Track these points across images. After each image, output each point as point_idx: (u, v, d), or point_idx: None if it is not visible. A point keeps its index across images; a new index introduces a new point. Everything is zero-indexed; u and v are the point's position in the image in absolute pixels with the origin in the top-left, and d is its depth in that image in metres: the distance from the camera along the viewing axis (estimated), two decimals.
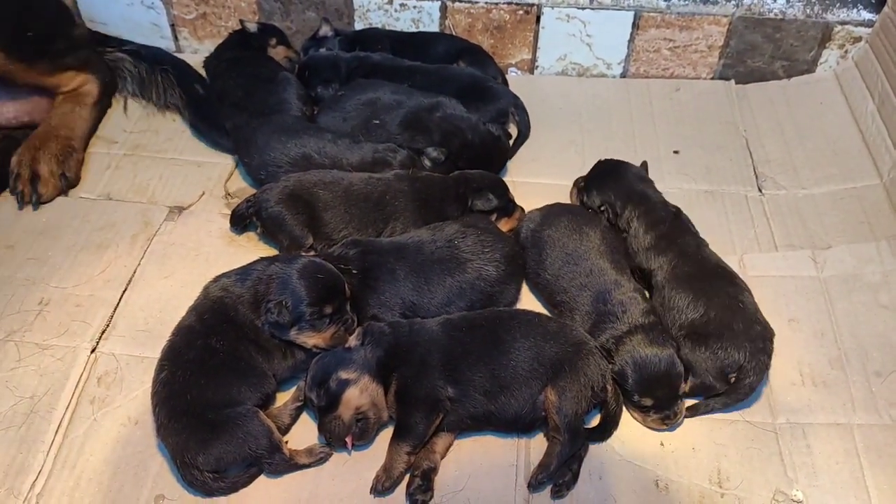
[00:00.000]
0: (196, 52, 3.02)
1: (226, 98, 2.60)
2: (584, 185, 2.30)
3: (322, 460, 1.79)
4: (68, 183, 2.47)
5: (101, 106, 2.68)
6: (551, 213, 2.18)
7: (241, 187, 2.50)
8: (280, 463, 1.74)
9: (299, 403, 1.87)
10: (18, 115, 2.57)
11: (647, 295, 2.02)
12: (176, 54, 2.94)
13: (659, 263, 2.04)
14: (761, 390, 1.93)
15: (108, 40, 2.81)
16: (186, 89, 2.69)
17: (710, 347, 1.86)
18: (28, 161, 2.43)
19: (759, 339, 1.87)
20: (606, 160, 2.34)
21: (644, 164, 2.35)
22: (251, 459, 1.73)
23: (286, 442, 1.79)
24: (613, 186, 2.22)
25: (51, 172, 2.43)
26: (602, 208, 2.20)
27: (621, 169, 2.29)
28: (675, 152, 2.65)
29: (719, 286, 1.95)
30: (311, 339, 1.84)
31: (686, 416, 1.87)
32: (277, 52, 2.84)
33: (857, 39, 2.80)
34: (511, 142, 2.63)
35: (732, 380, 1.86)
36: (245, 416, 1.73)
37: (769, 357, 1.88)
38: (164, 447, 1.77)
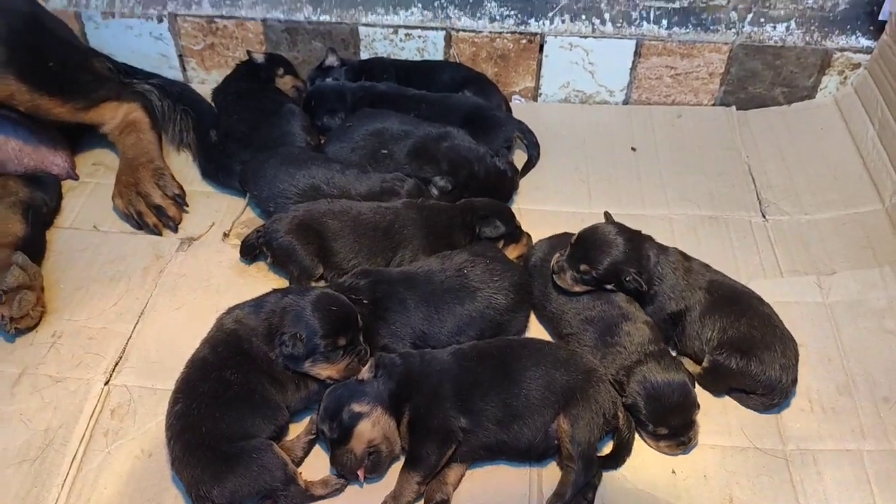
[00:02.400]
0: (203, 83, 3.06)
1: (232, 134, 2.62)
2: (586, 269, 2.02)
3: (337, 492, 1.80)
4: (181, 199, 2.53)
5: (156, 130, 2.71)
6: (560, 244, 2.19)
7: (250, 217, 2.53)
8: (296, 495, 1.75)
9: (312, 436, 1.88)
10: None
11: (656, 326, 2.02)
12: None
13: (697, 298, 2.02)
14: (770, 416, 1.95)
15: (134, 72, 2.85)
16: (200, 136, 2.72)
17: (756, 357, 1.91)
18: (135, 198, 2.48)
19: (792, 345, 1.95)
20: (591, 229, 2.08)
21: (606, 215, 2.34)
22: (266, 492, 1.74)
23: (300, 473, 1.80)
24: (619, 256, 2.01)
25: (163, 197, 2.49)
26: (627, 280, 2.01)
27: (607, 236, 2.04)
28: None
29: (749, 304, 2.01)
30: (324, 371, 1.86)
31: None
32: (285, 82, 2.87)
33: (857, 66, 2.85)
34: (521, 166, 2.66)
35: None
36: (260, 448, 1.74)
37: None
38: (179, 480, 1.77)
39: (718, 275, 2.10)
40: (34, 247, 2.32)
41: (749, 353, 1.92)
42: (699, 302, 2.01)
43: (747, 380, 1.93)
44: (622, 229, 2.06)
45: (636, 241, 2.04)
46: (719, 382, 1.98)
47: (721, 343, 1.94)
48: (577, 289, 2.04)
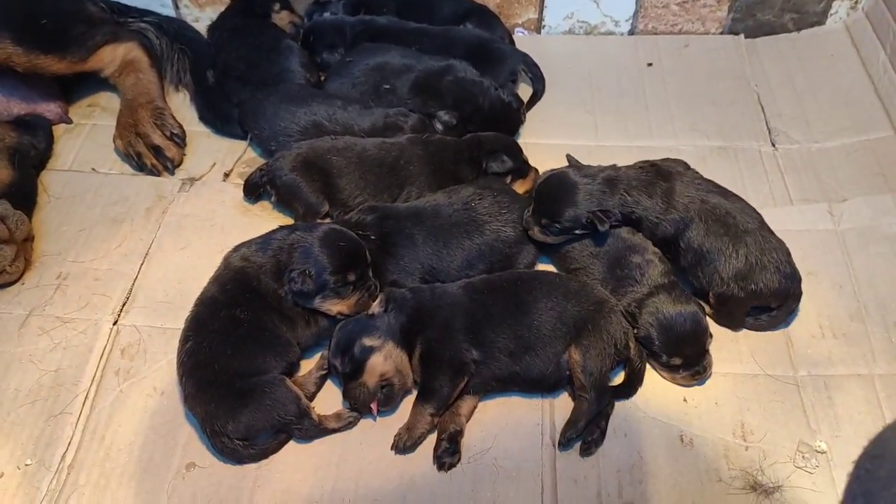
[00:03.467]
0: (197, 20, 2.97)
1: (229, 72, 2.57)
2: (547, 222, 1.99)
3: (350, 425, 1.81)
4: (180, 139, 2.49)
5: (156, 67, 2.65)
6: None
7: (251, 157, 2.49)
8: (310, 428, 1.76)
9: (324, 372, 1.88)
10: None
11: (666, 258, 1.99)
12: None
13: (686, 223, 1.96)
14: (781, 344, 1.95)
15: (129, 10, 2.77)
16: (197, 77, 2.66)
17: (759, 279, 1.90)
18: (135, 139, 2.44)
19: (784, 248, 1.94)
20: (544, 182, 2.05)
21: (568, 157, 2.24)
22: (280, 426, 1.75)
23: (313, 407, 1.81)
24: (573, 201, 1.97)
25: (162, 137, 2.45)
26: (587, 221, 1.95)
27: (559, 185, 2.00)
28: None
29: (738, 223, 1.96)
30: (335, 307, 1.85)
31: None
32: (281, 18, 2.79)
33: None
34: (526, 100, 2.61)
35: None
36: (272, 383, 1.75)
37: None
38: (192, 416, 1.78)
39: (712, 193, 2.00)
40: (22, 191, 2.28)
41: (749, 279, 1.89)
42: (691, 230, 1.94)
43: (759, 301, 1.92)
44: (575, 172, 2.01)
45: (588, 180, 1.98)
46: (734, 314, 1.96)
47: (723, 279, 1.91)
48: (549, 240, 2.01)
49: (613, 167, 2.05)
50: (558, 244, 2.04)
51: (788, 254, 1.95)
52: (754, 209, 2.02)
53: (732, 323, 1.98)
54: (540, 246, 2.09)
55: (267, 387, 1.74)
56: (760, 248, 1.91)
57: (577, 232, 1.99)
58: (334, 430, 1.80)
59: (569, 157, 2.23)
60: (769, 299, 1.93)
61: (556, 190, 1.99)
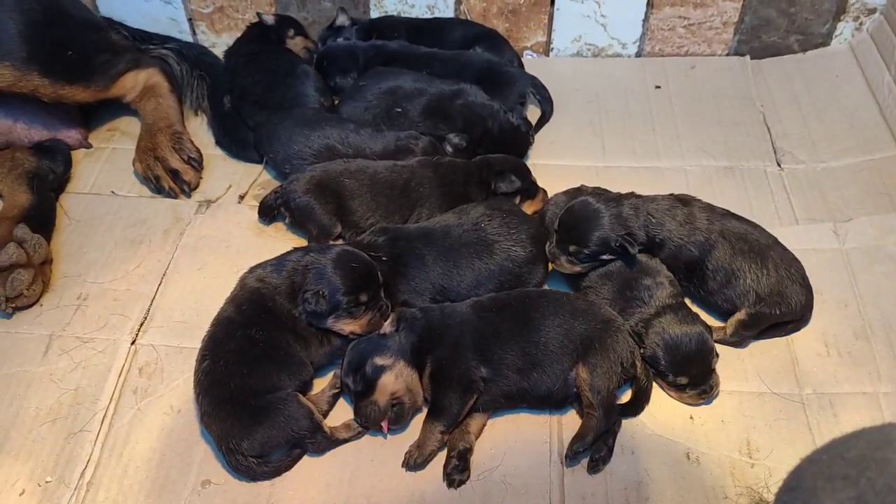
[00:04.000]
0: (214, 46, 3.05)
1: (245, 96, 2.63)
2: (577, 249, 2.00)
3: (360, 434, 1.86)
4: (197, 162, 2.55)
5: (176, 92, 2.73)
6: (577, 196, 2.19)
7: (266, 179, 2.55)
8: (322, 441, 1.80)
9: (336, 390, 1.92)
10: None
11: (675, 281, 2.02)
12: None
13: (712, 245, 2.01)
14: (787, 362, 1.97)
15: (151, 37, 2.86)
16: (214, 102, 2.73)
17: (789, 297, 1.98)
18: (153, 163, 2.50)
19: (797, 264, 2.03)
20: (567, 210, 2.05)
21: (583, 187, 2.25)
22: (294, 441, 1.79)
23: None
24: (601, 225, 1.98)
25: (179, 161, 2.51)
26: (617, 245, 1.97)
27: (584, 211, 2.01)
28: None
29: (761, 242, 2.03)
30: (348, 327, 1.89)
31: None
32: (296, 43, 2.86)
33: (872, 11, 2.81)
34: (535, 122, 2.66)
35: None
36: (286, 399, 1.79)
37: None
38: (209, 434, 1.82)
39: (726, 217, 2.06)
40: (41, 214, 2.34)
41: (783, 295, 1.95)
42: (717, 250, 2.00)
43: (790, 316, 1.98)
44: (596, 199, 2.03)
45: (613, 204, 2.01)
46: (754, 329, 1.99)
47: (760, 296, 1.95)
48: (578, 269, 2.03)
49: (632, 194, 2.09)
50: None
51: (803, 267, 2.01)
52: (763, 228, 2.07)
53: (745, 341, 2.01)
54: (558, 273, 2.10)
55: (280, 403, 1.78)
56: (786, 261, 1.99)
57: (603, 258, 2.01)
58: (345, 441, 1.84)
59: (583, 188, 2.24)
60: (797, 314, 1.98)
61: (580, 216, 2.00)
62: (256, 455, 1.77)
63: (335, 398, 1.94)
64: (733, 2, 2.81)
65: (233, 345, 1.84)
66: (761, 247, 1.99)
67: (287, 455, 1.82)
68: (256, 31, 2.86)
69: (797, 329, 2.02)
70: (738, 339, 2.00)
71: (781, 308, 1.96)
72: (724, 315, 2.04)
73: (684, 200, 2.08)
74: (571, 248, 2.00)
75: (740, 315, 1.98)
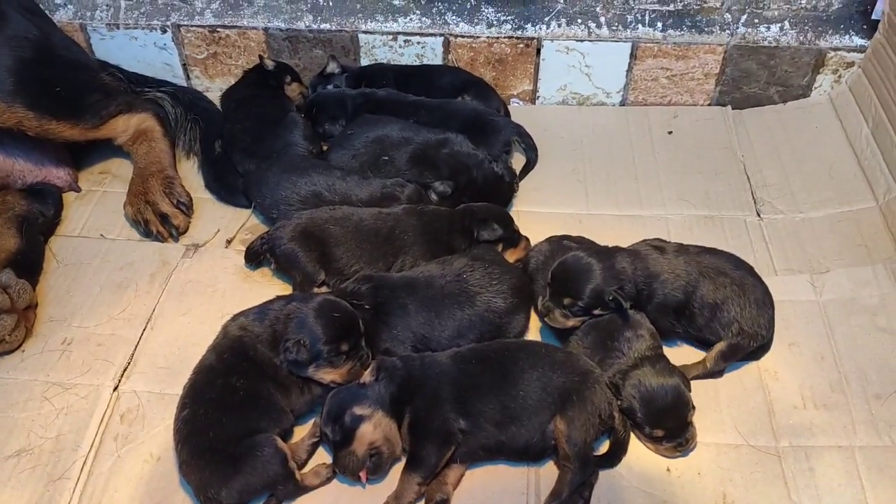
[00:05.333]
0: (207, 91, 3.10)
1: (235, 143, 2.67)
2: (571, 302, 2.02)
3: (329, 480, 1.87)
4: (187, 207, 2.58)
5: (169, 136, 2.76)
6: (560, 247, 2.23)
7: (254, 224, 2.58)
8: (292, 490, 1.82)
9: (315, 439, 1.93)
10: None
11: (657, 334, 2.04)
12: None
13: (695, 284, 2.05)
14: (763, 414, 1.99)
15: (146, 80, 2.91)
16: (205, 147, 2.77)
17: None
18: (144, 207, 2.53)
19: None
20: (559, 266, 2.06)
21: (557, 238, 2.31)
22: (271, 487, 1.80)
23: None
24: (596, 277, 2.00)
25: (169, 205, 2.55)
26: (610, 299, 1.98)
27: (578, 264, 2.03)
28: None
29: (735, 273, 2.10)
30: (328, 376, 1.91)
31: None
32: (293, 90, 2.92)
33: (851, 64, 2.87)
34: (520, 169, 2.71)
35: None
36: (263, 443, 1.79)
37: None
38: (187, 483, 1.83)
39: (701, 254, 2.12)
40: (28, 259, 2.36)
41: (761, 324, 2.05)
42: (700, 289, 2.04)
43: (763, 343, 2.08)
44: (589, 252, 2.06)
45: (606, 257, 2.04)
46: (734, 359, 2.06)
47: (742, 327, 2.03)
48: (571, 323, 2.05)
49: (618, 248, 2.13)
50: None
51: (768, 289, 2.12)
52: (731, 254, 2.16)
53: (723, 367, 2.07)
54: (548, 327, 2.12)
55: (258, 448, 1.79)
56: (758, 288, 2.09)
57: (595, 312, 2.03)
58: (315, 487, 1.85)
59: (566, 243, 2.26)
60: (769, 340, 2.10)
61: (573, 270, 2.02)
62: (236, 501, 1.77)
63: (315, 447, 1.94)
64: (714, 54, 2.88)
65: (213, 393, 1.85)
66: (739, 277, 2.07)
67: (266, 502, 1.82)
68: (254, 76, 2.92)
69: (766, 350, 2.12)
70: (720, 370, 2.06)
71: (761, 337, 2.06)
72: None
73: (659, 248, 2.12)
74: (566, 301, 2.02)
75: (721, 346, 2.05)
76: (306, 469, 1.89)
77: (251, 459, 1.77)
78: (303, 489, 1.84)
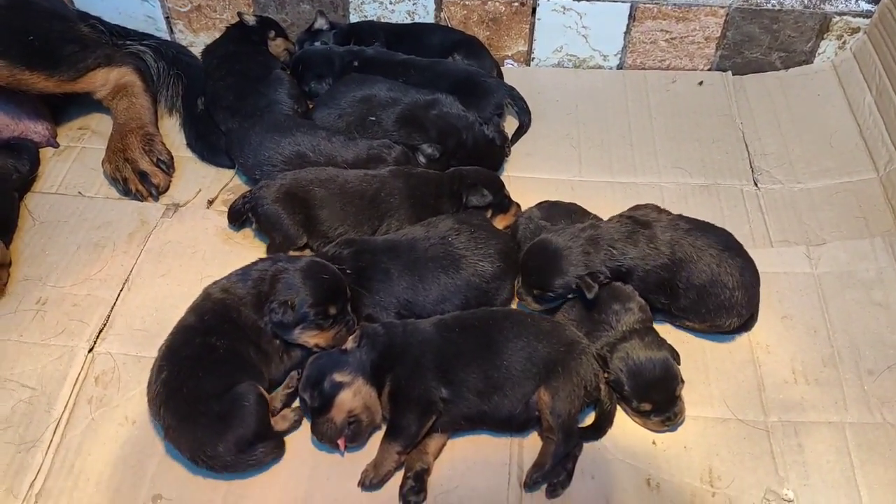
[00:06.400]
0: (192, 45, 3.01)
1: (217, 101, 2.59)
2: (540, 293, 2.00)
3: (297, 423, 1.86)
4: (167, 165, 2.51)
5: (150, 92, 2.67)
6: (551, 213, 2.17)
7: (237, 185, 2.51)
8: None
9: (290, 390, 1.90)
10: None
11: (647, 307, 1.99)
12: None
13: (676, 263, 1.99)
14: (753, 388, 1.95)
15: (128, 33, 2.81)
16: (188, 104, 2.68)
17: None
18: (122, 164, 2.46)
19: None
20: (528, 252, 2.04)
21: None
22: (262, 437, 1.77)
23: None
24: (562, 269, 1.96)
25: (149, 163, 2.47)
26: (576, 287, 1.95)
27: (545, 253, 1.99)
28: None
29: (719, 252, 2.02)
30: (313, 339, 1.87)
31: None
32: (277, 45, 2.82)
33: (856, 30, 2.79)
34: (512, 133, 2.63)
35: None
36: (245, 392, 1.76)
37: None
38: (176, 449, 1.78)
39: (691, 233, 2.01)
40: (2, 216, 2.29)
41: (746, 306, 2.00)
42: (685, 269, 1.97)
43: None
44: (554, 237, 2.00)
45: (570, 243, 1.97)
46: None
47: (728, 311, 1.98)
48: (546, 306, 2.02)
49: (592, 224, 2.05)
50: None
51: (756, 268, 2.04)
52: (722, 229, 2.07)
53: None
54: None
55: (243, 398, 1.75)
56: (748, 269, 2.01)
57: (569, 297, 2.00)
58: (284, 432, 1.83)
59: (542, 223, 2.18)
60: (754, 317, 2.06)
61: (541, 260, 1.98)
62: (236, 454, 1.74)
63: (290, 397, 1.90)
64: (716, 17, 2.79)
65: (189, 351, 1.81)
66: (726, 258, 1.98)
67: (262, 447, 1.78)
68: (236, 32, 2.81)
69: (755, 321, 2.07)
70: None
71: (741, 316, 2.01)
72: (701, 332, 2.05)
73: (644, 223, 2.03)
74: (535, 292, 2.00)
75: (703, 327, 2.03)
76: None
77: (239, 411, 1.74)
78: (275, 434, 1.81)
